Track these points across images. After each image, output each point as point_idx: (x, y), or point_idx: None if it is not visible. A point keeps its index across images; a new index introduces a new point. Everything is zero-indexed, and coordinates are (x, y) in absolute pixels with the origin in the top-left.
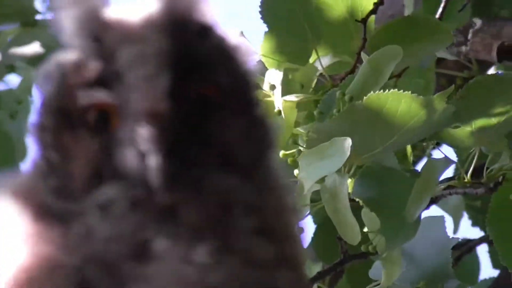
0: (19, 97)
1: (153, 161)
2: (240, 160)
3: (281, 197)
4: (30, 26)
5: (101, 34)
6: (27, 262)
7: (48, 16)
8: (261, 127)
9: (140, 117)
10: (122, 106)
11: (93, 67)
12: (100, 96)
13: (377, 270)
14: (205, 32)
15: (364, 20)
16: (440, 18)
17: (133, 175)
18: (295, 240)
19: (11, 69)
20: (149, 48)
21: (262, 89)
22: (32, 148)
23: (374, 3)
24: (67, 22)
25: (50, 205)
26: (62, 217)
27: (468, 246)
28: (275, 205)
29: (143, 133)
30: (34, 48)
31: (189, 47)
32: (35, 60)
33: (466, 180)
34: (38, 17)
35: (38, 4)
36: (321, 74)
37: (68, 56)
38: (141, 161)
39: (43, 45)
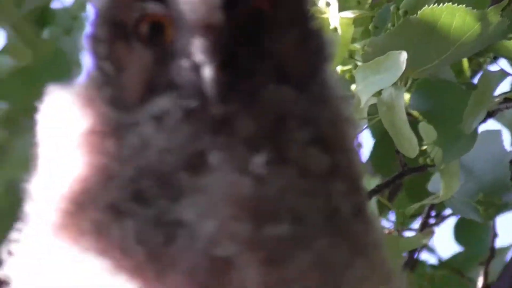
0: (74, 14)
1: (208, 71)
2: (295, 72)
3: (337, 108)
4: None
5: None
6: (83, 172)
7: None
8: (316, 40)
9: (194, 29)
10: (176, 18)
11: None
12: (154, 7)
13: (435, 183)
14: None
15: None
16: None
17: (187, 85)
18: (351, 152)
19: None
20: None
21: (317, 6)
22: (86, 61)
23: None
24: None
25: (105, 116)
26: (117, 128)
27: None
28: (331, 116)
29: (198, 44)
30: None
31: None
32: None
33: None
34: None
35: None
36: None
37: None
38: (195, 72)
39: None
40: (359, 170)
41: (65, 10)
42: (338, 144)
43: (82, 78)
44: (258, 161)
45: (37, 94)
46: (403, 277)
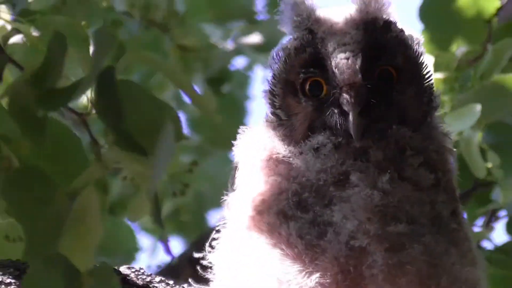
0: (245, 74)
1: (352, 117)
2: (412, 117)
3: (440, 142)
4: (252, 23)
5: (315, 28)
6: (262, 188)
7: (264, 16)
8: (428, 94)
9: (342, 86)
10: (329, 79)
11: (309, 51)
12: (315, 71)
13: (497, 194)
14: (388, 27)
15: (489, 21)
16: None
17: (337, 127)
18: (450, 172)
19: (239, 53)
20: (349, 39)
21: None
22: (263, 108)
23: (496, 9)
24: (288, 20)
25: (278, 148)
26: (287, 158)
27: None
28: (435, 148)
29: (345, 98)
30: (256, 39)
31: (376, 38)
32: (257, 48)
33: None
34: (258, 17)
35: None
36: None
37: (292, 43)
38: (343, 117)
39: (263, 37)
40: (455, 185)
41: (238, 71)
42: (440, 167)
43: (252, 120)
44: (384, 179)
45: (220, 131)
46: (483, 260)
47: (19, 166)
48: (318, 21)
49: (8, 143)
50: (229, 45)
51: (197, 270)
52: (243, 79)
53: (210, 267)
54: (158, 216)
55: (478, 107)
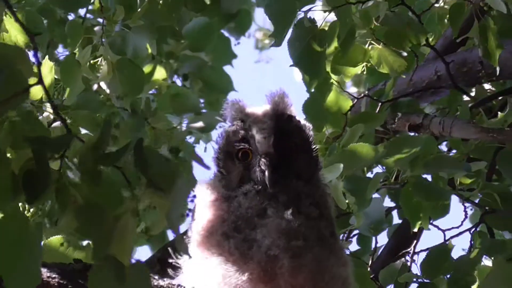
0: (193, 146)
1: (267, 174)
2: (305, 174)
3: (323, 190)
4: (197, 114)
5: (244, 119)
6: (210, 218)
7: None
8: (315, 160)
9: (261, 155)
10: (254, 150)
11: (241, 133)
12: (245, 146)
13: (353, 220)
14: (290, 118)
15: (346, 113)
16: (379, 111)
17: (258, 180)
18: (329, 207)
19: (190, 133)
20: (266, 126)
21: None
22: (213, 167)
23: (350, 106)
24: (228, 113)
25: (222, 193)
26: (227, 198)
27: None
28: (320, 193)
29: (263, 162)
30: (200, 124)
31: (284, 125)
32: (200, 129)
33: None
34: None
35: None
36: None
37: (230, 128)
38: (262, 174)
39: (204, 123)
40: (332, 215)
41: (189, 143)
42: (322, 205)
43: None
44: (288, 213)
45: None
46: (351, 262)
47: (82, 202)
48: (247, 114)
49: (74, 186)
50: (183, 128)
51: (164, 267)
52: (191, 149)
53: (176, 266)
54: (176, 228)
55: (340, 166)
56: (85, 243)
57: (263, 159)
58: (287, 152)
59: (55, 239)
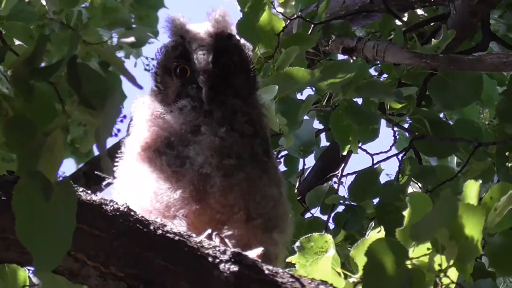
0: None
1: (204, 90)
2: (242, 93)
3: (259, 108)
4: (128, 29)
5: (184, 35)
6: (146, 134)
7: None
8: (253, 80)
9: (200, 71)
10: (192, 67)
11: (180, 49)
12: (184, 62)
13: (282, 141)
14: (230, 37)
15: (278, 34)
16: (310, 33)
17: (195, 96)
18: (264, 126)
19: (120, 48)
20: (205, 43)
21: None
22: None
23: (283, 27)
24: (168, 29)
25: (158, 108)
26: (163, 114)
27: None
28: (256, 112)
29: (201, 78)
30: (130, 39)
31: (223, 44)
32: (130, 44)
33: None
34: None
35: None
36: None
37: (169, 43)
38: (198, 90)
39: (135, 38)
40: (267, 134)
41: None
42: (258, 123)
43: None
44: (222, 130)
45: None
46: (284, 181)
47: (13, 115)
48: (187, 31)
49: (6, 100)
50: (114, 42)
51: (89, 182)
52: (121, 63)
53: (100, 180)
54: (103, 147)
55: (276, 87)
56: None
57: (201, 76)
58: (226, 70)
59: None
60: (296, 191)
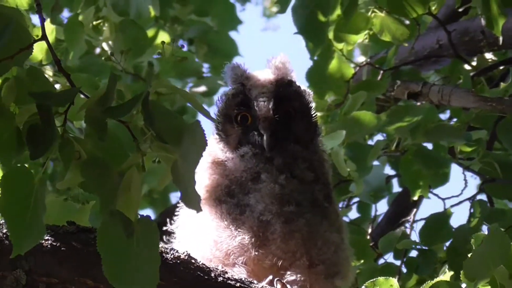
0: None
1: (266, 137)
2: (303, 139)
3: (320, 155)
4: (200, 78)
5: (245, 82)
6: (207, 183)
7: (206, 75)
8: (313, 126)
9: (261, 118)
10: (253, 114)
11: (241, 96)
12: (244, 109)
13: (353, 187)
14: (291, 84)
15: (348, 81)
16: (381, 79)
17: (256, 143)
18: (325, 172)
19: None
20: (266, 90)
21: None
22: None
23: (352, 74)
24: (229, 77)
25: (219, 156)
26: (224, 161)
27: None
28: (317, 158)
29: (262, 125)
30: (202, 88)
31: (284, 90)
32: (202, 94)
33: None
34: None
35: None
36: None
37: (230, 91)
38: (260, 137)
39: (206, 87)
40: (329, 180)
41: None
42: (319, 168)
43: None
44: (282, 177)
45: None
46: (346, 228)
47: (88, 157)
48: (247, 78)
49: (78, 142)
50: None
51: (161, 233)
52: (194, 112)
53: (172, 232)
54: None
55: (343, 132)
56: (78, 206)
57: (262, 123)
58: (286, 117)
59: (52, 201)
60: (368, 237)
